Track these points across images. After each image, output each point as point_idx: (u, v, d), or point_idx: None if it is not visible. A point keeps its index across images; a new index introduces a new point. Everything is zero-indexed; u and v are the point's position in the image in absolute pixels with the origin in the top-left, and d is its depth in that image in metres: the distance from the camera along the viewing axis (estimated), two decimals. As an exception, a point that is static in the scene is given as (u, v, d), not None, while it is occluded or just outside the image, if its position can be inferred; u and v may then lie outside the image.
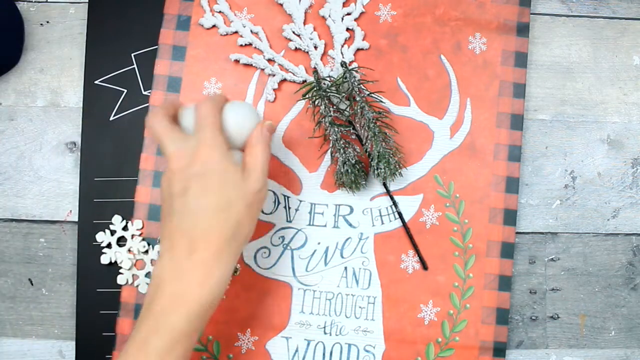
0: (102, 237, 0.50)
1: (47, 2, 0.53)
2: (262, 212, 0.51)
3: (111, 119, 0.52)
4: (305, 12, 0.52)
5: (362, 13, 0.53)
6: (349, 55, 0.52)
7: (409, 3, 0.53)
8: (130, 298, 0.50)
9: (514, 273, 0.52)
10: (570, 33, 0.55)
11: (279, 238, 0.51)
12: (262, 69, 0.52)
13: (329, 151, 0.50)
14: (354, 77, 0.50)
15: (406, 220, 0.51)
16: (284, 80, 0.52)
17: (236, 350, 0.50)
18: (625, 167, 0.54)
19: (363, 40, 0.52)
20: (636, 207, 0.54)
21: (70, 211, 0.52)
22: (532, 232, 0.53)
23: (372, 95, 0.50)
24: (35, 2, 0.53)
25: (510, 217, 0.51)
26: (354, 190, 0.50)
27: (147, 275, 0.50)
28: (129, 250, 0.50)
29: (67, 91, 0.53)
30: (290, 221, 0.51)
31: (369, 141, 0.49)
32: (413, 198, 0.51)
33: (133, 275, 0.50)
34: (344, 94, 0.50)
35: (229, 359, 0.50)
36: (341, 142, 0.49)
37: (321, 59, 0.52)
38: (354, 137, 0.50)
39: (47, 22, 0.53)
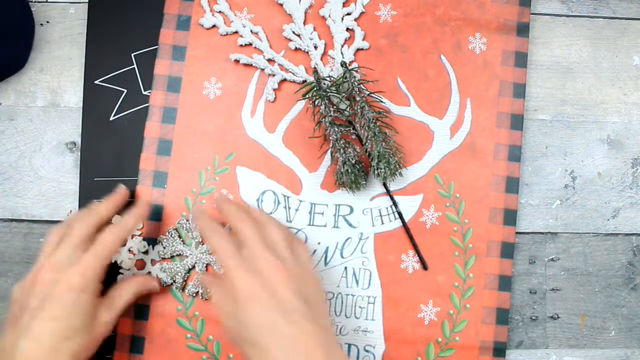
0: None
1: (47, 2, 0.53)
2: (262, 212, 0.51)
3: (111, 119, 0.52)
4: (305, 12, 0.52)
5: (362, 13, 0.53)
6: (349, 55, 0.52)
7: (409, 3, 0.53)
8: (130, 298, 0.50)
9: (514, 273, 0.52)
10: (570, 33, 0.55)
11: (279, 238, 0.51)
12: (262, 69, 0.52)
13: (329, 151, 0.50)
14: (354, 77, 0.50)
15: (406, 220, 0.51)
16: (284, 80, 0.52)
17: (236, 350, 0.50)
18: (625, 167, 0.54)
19: (363, 40, 0.52)
20: (636, 207, 0.54)
21: (70, 211, 0.52)
22: (532, 232, 0.53)
23: (372, 95, 0.50)
24: (35, 2, 0.53)
25: (510, 217, 0.51)
26: (354, 190, 0.50)
27: (148, 274, 0.50)
28: (129, 250, 0.50)
29: (67, 91, 0.53)
30: (290, 221, 0.51)
31: (369, 141, 0.49)
32: (413, 198, 0.51)
33: (133, 275, 0.50)
34: (344, 94, 0.50)
35: (229, 359, 0.50)
36: (341, 142, 0.49)
37: (321, 59, 0.52)
38: (354, 137, 0.50)
39: (47, 22, 0.53)
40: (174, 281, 0.49)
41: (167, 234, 0.50)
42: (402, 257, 0.51)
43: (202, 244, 0.50)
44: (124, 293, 0.46)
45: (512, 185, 0.52)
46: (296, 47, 0.52)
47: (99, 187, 0.51)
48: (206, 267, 0.50)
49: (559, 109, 0.54)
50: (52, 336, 0.40)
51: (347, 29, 0.52)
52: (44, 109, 0.53)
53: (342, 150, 0.49)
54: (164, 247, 0.50)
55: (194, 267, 0.50)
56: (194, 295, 0.50)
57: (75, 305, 0.41)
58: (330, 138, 0.49)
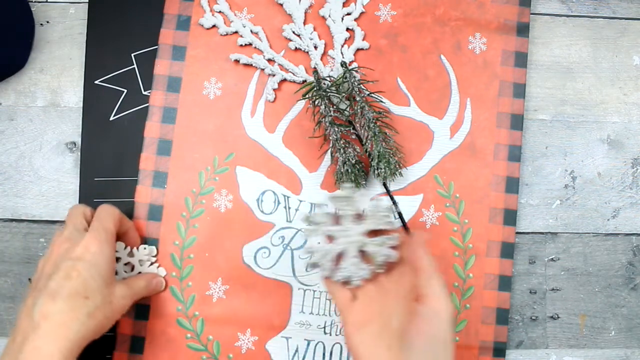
0: None
1: (47, 2, 0.53)
2: (262, 212, 0.51)
3: (111, 119, 0.52)
4: (305, 12, 0.52)
5: (362, 13, 0.53)
6: (349, 55, 0.52)
7: (409, 3, 0.53)
8: (130, 298, 0.50)
9: (514, 273, 0.52)
10: (570, 33, 0.55)
11: (279, 238, 0.51)
12: (262, 69, 0.52)
13: (329, 151, 0.50)
14: (354, 77, 0.50)
15: (406, 220, 0.51)
16: (284, 80, 0.52)
17: (236, 350, 0.50)
18: (625, 167, 0.54)
19: (363, 40, 0.52)
20: (636, 207, 0.54)
21: (70, 211, 0.52)
22: (532, 232, 0.53)
23: (372, 95, 0.50)
24: (35, 2, 0.53)
25: (510, 217, 0.51)
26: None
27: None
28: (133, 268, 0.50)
29: (67, 91, 0.53)
30: (290, 221, 0.51)
31: (369, 141, 0.49)
32: (413, 198, 0.51)
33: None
34: (344, 94, 0.50)
35: (229, 359, 0.50)
36: (341, 142, 0.49)
37: (321, 59, 0.52)
38: (354, 137, 0.50)
39: (47, 22, 0.53)
40: (320, 265, 0.42)
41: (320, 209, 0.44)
42: (402, 257, 0.51)
43: (360, 222, 0.42)
44: (140, 280, 0.47)
45: (512, 185, 0.52)
46: (296, 47, 0.52)
47: (99, 187, 0.51)
48: (360, 253, 0.42)
49: (559, 109, 0.54)
50: (69, 294, 0.40)
51: (347, 29, 0.52)
52: (44, 109, 0.53)
53: (342, 150, 0.49)
54: (316, 225, 0.42)
55: (343, 252, 0.42)
56: (345, 282, 0.42)
57: (90, 265, 0.42)
58: (330, 138, 0.49)
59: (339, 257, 0.42)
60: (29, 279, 0.52)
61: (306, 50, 0.52)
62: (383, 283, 0.42)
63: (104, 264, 0.42)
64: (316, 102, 0.49)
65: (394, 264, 0.42)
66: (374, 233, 0.42)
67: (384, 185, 0.51)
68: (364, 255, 0.42)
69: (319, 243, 0.42)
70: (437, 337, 0.39)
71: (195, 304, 0.50)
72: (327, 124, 0.49)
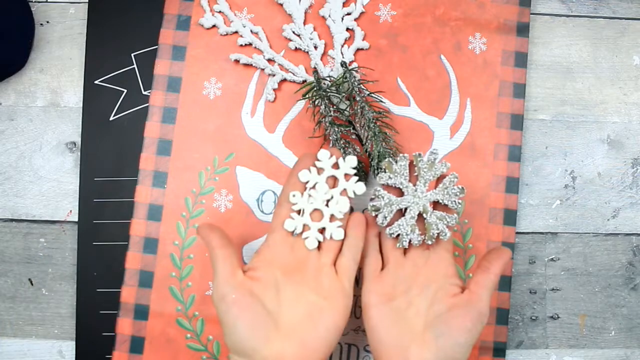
0: (306, 177, 0.43)
1: (47, 2, 0.53)
2: (262, 212, 0.51)
3: (111, 119, 0.52)
4: (305, 12, 0.52)
5: (362, 13, 0.53)
6: (349, 55, 0.52)
7: (409, 3, 0.53)
8: (130, 298, 0.50)
9: (514, 273, 0.52)
10: (570, 33, 0.55)
11: (279, 238, 0.51)
12: (262, 69, 0.52)
13: (329, 151, 0.50)
14: (354, 77, 0.50)
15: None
16: (284, 80, 0.52)
17: (236, 350, 0.50)
18: (625, 167, 0.54)
19: (363, 40, 0.52)
20: (636, 207, 0.54)
21: (70, 211, 0.52)
22: (532, 232, 0.53)
23: (372, 95, 0.50)
24: (35, 2, 0.53)
25: (510, 217, 0.51)
26: (354, 190, 0.50)
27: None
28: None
29: (67, 91, 0.53)
30: (290, 221, 0.51)
31: (369, 141, 0.49)
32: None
33: (304, 225, 0.44)
34: (344, 94, 0.50)
35: (229, 359, 0.50)
36: (341, 142, 0.49)
37: (321, 59, 0.52)
38: (354, 137, 0.50)
39: (47, 22, 0.53)
40: (380, 211, 0.43)
41: (400, 158, 0.44)
42: (402, 257, 0.51)
43: (428, 191, 0.43)
44: (347, 257, 0.42)
45: (512, 185, 0.52)
46: (296, 47, 0.52)
47: (98, 187, 0.51)
48: (417, 216, 0.44)
49: (559, 109, 0.54)
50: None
51: (347, 29, 0.52)
52: (44, 109, 0.53)
53: (342, 150, 0.49)
54: (393, 173, 0.43)
55: (405, 210, 0.44)
56: (395, 237, 0.44)
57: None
58: (330, 138, 0.49)
59: (398, 213, 0.44)
60: (29, 279, 0.52)
61: (306, 50, 0.52)
62: (419, 264, 0.43)
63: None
64: (316, 102, 0.49)
65: (435, 249, 0.44)
66: (439, 207, 0.44)
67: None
68: (421, 222, 0.44)
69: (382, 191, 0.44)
70: (474, 337, 0.39)
71: (195, 304, 0.50)
72: (327, 124, 0.49)
